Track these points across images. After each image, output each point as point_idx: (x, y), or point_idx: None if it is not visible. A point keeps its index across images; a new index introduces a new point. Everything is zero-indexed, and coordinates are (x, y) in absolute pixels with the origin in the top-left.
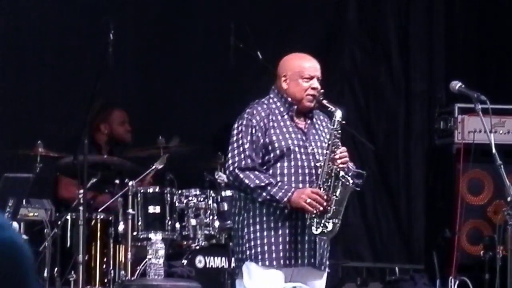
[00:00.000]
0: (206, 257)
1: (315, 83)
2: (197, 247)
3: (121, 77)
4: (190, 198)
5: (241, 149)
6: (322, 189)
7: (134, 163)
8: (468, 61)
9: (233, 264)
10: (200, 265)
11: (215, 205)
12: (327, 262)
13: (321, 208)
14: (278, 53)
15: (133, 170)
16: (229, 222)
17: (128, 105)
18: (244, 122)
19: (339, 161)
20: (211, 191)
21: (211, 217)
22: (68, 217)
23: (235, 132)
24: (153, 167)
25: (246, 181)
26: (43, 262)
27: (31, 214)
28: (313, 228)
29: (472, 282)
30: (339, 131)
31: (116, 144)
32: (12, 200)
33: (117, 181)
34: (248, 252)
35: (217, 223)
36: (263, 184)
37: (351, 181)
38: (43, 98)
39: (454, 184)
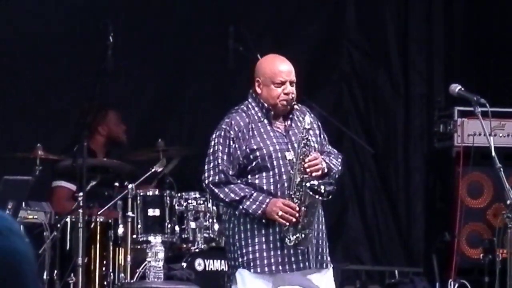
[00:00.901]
0: (205, 260)
1: (288, 88)
2: (197, 250)
3: (120, 79)
4: (189, 201)
5: (216, 162)
6: (294, 199)
7: (134, 166)
8: (468, 64)
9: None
10: (199, 268)
11: (214, 208)
12: (328, 259)
13: (293, 220)
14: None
15: (132, 173)
16: None
17: (127, 108)
18: (222, 134)
19: (308, 170)
20: None
21: (210, 220)
22: (68, 219)
23: (212, 143)
24: (152, 170)
25: (221, 195)
26: (43, 265)
27: (31, 216)
28: (287, 239)
29: (471, 285)
30: (308, 139)
31: (113, 145)
32: (12, 202)
33: (116, 184)
34: (240, 259)
35: (216, 226)
36: (237, 198)
37: (322, 190)
38: (43, 101)
39: (454, 187)
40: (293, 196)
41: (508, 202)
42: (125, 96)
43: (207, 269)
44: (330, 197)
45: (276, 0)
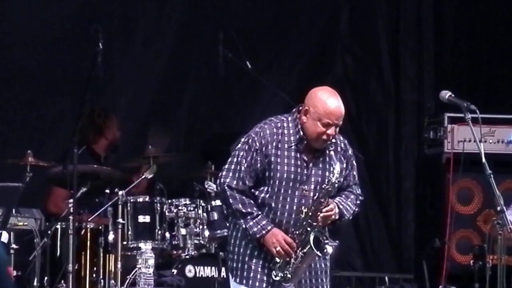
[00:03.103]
0: (196, 267)
1: (331, 131)
2: (187, 257)
3: (111, 86)
4: (180, 208)
5: (238, 168)
6: (296, 240)
7: (124, 172)
8: (458, 71)
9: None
10: (190, 274)
11: (205, 214)
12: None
13: (287, 259)
14: (271, 61)
15: (123, 179)
16: (218, 231)
17: (118, 115)
18: (249, 142)
19: (320, 220)
20: (201, 201)
21: (201, 226)
22: (58, 226)
23: (239, 146)
24: (143, 176)
25: (230, 200)
26: (33, 271)
27: (21, 223)
28: (273, 273)
29: None
30: (330, 190)
31: (112, 149)
32: (2, 209)
33: (107, 191)
34: (235, 272)
35: (207, 233)
36: (244, 211)
37: (325, 248)
38: (33, 108)
39: (444, 194)
40: (295, 237)
41: (498, 208)
42: (116, 103)
43: (197, 275)
44: (327, 255)
45: (271, 7)
